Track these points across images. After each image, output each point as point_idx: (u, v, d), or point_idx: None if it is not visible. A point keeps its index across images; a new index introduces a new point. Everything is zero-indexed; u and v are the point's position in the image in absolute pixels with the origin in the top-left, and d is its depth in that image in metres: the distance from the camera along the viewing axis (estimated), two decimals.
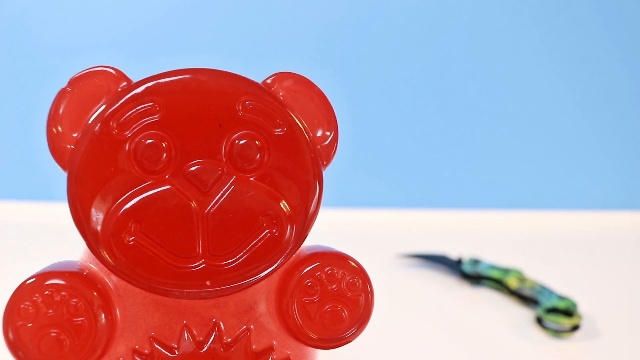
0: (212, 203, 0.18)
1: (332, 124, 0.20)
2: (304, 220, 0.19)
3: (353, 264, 0.20)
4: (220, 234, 0.18)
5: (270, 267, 0.19)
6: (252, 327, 0.20)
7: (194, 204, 0.18)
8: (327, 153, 0.20)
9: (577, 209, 0.69)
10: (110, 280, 0.19)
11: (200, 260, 0.18)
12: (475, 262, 0.46)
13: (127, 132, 0.18)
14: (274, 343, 0.21)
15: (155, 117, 0.18)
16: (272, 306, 0.20)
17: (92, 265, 0.19)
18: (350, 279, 0.20)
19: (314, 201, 0.19)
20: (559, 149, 0.74)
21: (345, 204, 0.66)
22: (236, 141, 0.19)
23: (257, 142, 0.19)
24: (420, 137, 0.73)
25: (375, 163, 0.72)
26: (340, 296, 0.20)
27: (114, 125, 0.18)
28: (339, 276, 0.20)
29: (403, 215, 0.64)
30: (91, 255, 0.19)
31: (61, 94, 0.18)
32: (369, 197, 0.70)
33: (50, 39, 0.90)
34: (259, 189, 0.19)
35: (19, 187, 0.89)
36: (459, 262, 0.47)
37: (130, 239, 0.18)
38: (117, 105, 0.18)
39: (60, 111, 0.18)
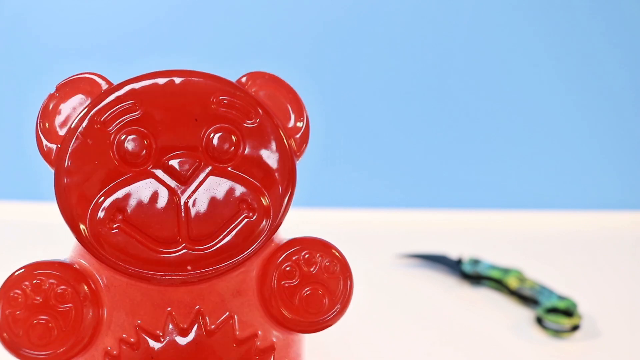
0: (191, 192, 0.20)
1: (302, 116, 0.22)
2: (279, 205, 0.20)
3: (333, 250, 0.21)
4: (199, 220, 0.20)
5: (247, 250, 0.20)
6: (235, 315, 0.21)
7: (173, 193, 0.19)
8: (299, 144, 0.22)
9: (577, 209, 0.69)
10: (100, 274, 0.20)
11: (181, 245, 0.19)
12: (475, 262, 0.46)
13: (110, 129, 0.19)
14: (259, 332, 0.21)
15: (135, 115, 0.20)
16: (255, 295, 0.21)
17: (82, 261, 0.20)
18: (327, 262, 0.21)
19: (288, 188, 0.21)
20: (559, 149, 0.74)
21: (344, 204, 0.66)
22: (212, 134, 0.20)
23: (231, 135, 0.20)
24: (421, 137, 0.73)
25: (375, 163, 0.72)
26: (319, 279, 0.21)
27: (98, 122, 0.20)
28: (317, 259, 0.21)
29: (403, 215, 0.64)
30: (80, 251, 0.20)
31: (49, 99, 0.20)
32: (368, 197, 0.70)
33: (47, 39, 0.90)
34: (235, 177, 0.20)
35: (19, 187, 0.89)
36: (459, 262, 0.47)
37: (115, 227, 0.19)
38: (100, 105, 0.20)
39: (48, 114, 0.20)
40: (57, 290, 0.19)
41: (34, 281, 0.19)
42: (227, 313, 0.21)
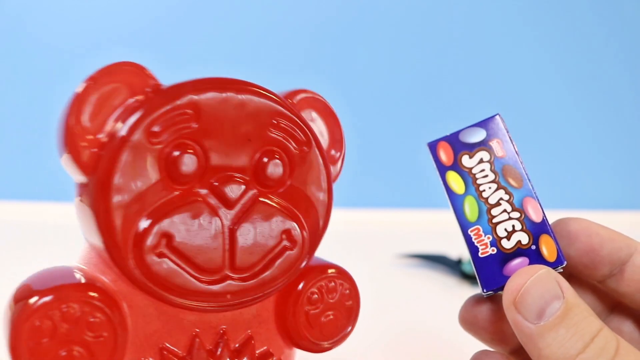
0: (237, 218, 0.18)
1: (341, 144, 0.21)
2: (316, 236, 0.20)
3: (349, 276, 0.22)
4: (244, 249, 0.18)
5: (286, 280, 0.19)
6: (255, 333, 0.20)
7: (219, 218, 0.18)
8: (335, 172, 0.21)
9: (577, 209, 0.69)
10: (123, 294, 0.18)
11: (224, 274, 0.18)
12: None
13: (161, 141, 0.17)
14: (271, 349, 0.21)
15: (191, 128, 0.17)
16: (270, 311, 0.21)
17: (103, 277, 0.18)
18: (347, 290, 0.21)
19: (326, 220, 0.20)
20: (558, 149, 0.74)
21: (345, 204, 0.66)
22: (263, 158, 0.18)
23: (281, 160, 0.19)
24: (421, 137, 0.73)
25: (375, 163, 0.72)
26: (339, 305, 0.21)
27: (148, 133, 0.17)
28: (338, 288, 0.21)
29: (403, 215, 0.64)
30: (95, 264, 0.18)
31: (84, 93, 0.17)
32: (368, 197, 0.70)
33: (47, 38, 0.90)
34: (280, 205, 0.19)
35: (19, 187, 0.89)
36: (459, 262, 0.47)
37: (159, 253, 0.17)
38: (157, 112, 0.17)
39: (82, 109, 0.17)
40: (87, 319, 0.16)
41: (63, 308, 0.16)
42: (249, 331, 0.20)
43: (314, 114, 0.20)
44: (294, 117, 0.19)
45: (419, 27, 0.77)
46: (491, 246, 0.20)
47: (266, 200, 0.18)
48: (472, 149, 0.21)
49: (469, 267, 0.46)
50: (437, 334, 0.37)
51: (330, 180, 0.20)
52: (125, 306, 0.18)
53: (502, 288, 0.19)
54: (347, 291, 0.21)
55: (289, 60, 0.80)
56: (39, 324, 0.16)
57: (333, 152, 0.20)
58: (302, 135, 0.19)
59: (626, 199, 0.74)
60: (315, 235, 0.20)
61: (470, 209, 0.21)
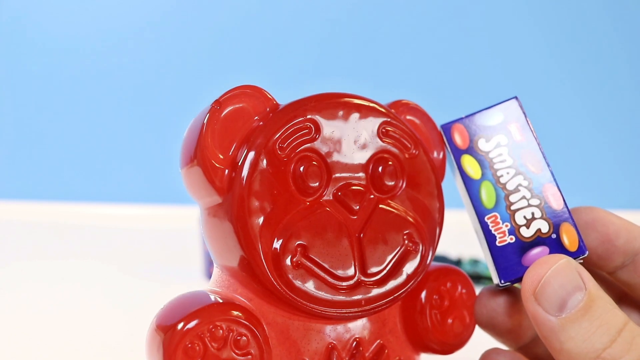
0: (361, 224, 0.19)
1: (440, 145, 0.21)
2: (434, 236, 0.20)
3: (464, 275, 0.22)
4: (370, 253, 0.19)
5: (412, 283, 0.19)
6: (386, 342, 0.20)
7: (347, 226, 0.18)
8: (441, 172, 0.21)
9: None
10: (260, 312, 0.19)
11: (358, 280, 0.18)
12: (475, 262, 0.46)
13: (290, 154, 0.18)
14: (402, 357, 0.21)
15: (314, 142, 0.18)
16: (397, 319, 0.21)
17: (241, 298, 0.19)
18: (463, 290, 0.22)
19: (440, 220, 0.20)
20: (559, 149, 0.74)
21: None
22: (378, 165, 0.19)
23: (394, 165, 0.19)
24: None
25: None
26: (460, 305, 0.22)
27: (279, 147, 0.18)
28: (458, 288, 0.22)
29: None
30: (228, 285, 0.19)
31: (212, 116, 0.18)
32: None
33: (44, 40, 0.90)
34: (398, 209, 0.19)
35: (19, 187, 0.89)
36: (458, 262, 0.47)
37: (295, 263, 0.18)
38: (283, 129, 0.18)
39: (214, 133, 0.18)
40: (236, 338, 0.17)
41: (211, 328, 0.17)
42: (379, 341, 0.20)
43: (416, 120, 0.21)
44: (400, 124, 0.20)
45: (424, 24, 0.77)
46: (509, 234, 0.19)
47: (385, 206, 0.19)
48: (488, 132, 0.21)
49: (469, 267, 0.46)
50: None
51: (439, 182, 0.20)
52: (265, 323, 0.18)
53: (520, 279, 0.19)
54: (464, 290, 0.22)
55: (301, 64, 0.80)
56: (190, 345, 0.16)
57: (435, 154, 0.21)
58: (409, 139, 0.20)
59: (626, 199, 0.74)
60: (433, 234, 0.20)
61: (487, 194, 0.20)
